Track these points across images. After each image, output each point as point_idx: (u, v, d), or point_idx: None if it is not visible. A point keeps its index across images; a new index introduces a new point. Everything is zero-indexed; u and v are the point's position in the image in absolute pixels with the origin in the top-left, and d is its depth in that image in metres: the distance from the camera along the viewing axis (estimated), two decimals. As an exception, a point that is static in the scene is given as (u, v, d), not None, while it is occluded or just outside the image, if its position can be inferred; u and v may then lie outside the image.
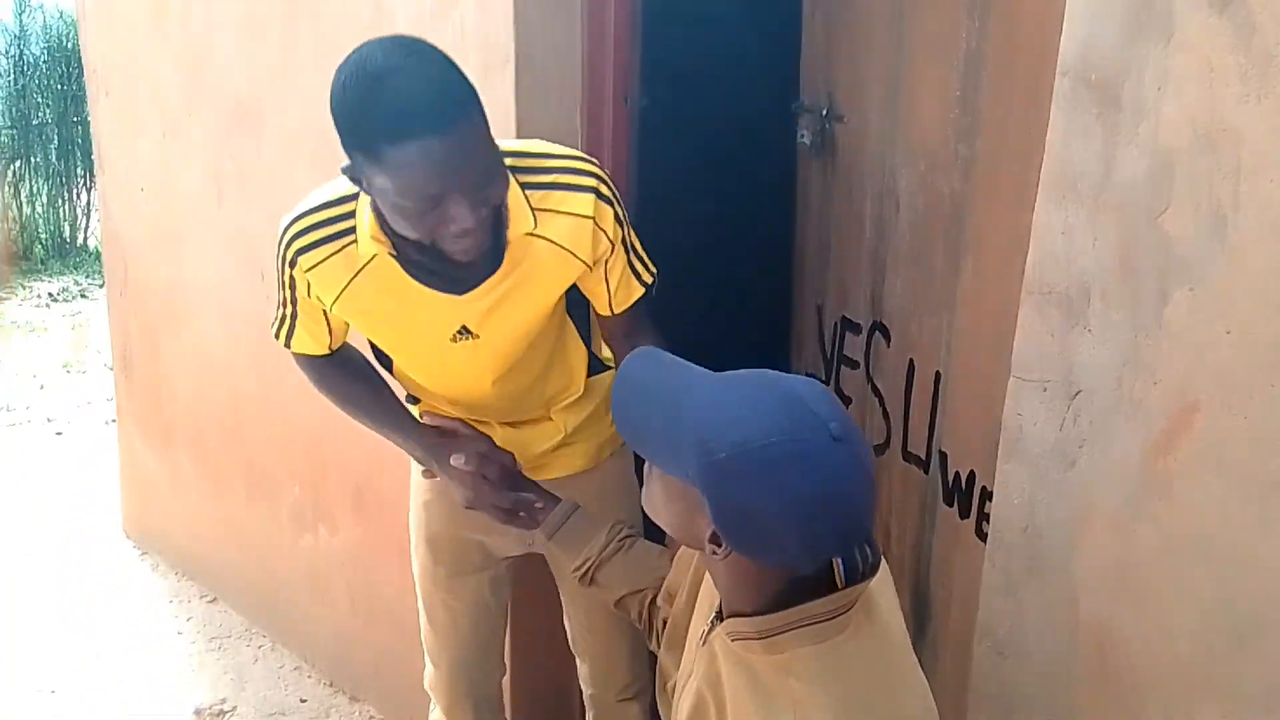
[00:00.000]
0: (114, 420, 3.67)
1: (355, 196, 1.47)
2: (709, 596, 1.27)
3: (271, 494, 2.86)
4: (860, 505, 1.06)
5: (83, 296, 6.91)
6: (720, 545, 1.07)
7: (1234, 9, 1.08)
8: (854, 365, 2.07)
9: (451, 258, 1.41)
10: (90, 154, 3.35)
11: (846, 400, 2.09)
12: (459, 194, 1.31)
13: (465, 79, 1.31)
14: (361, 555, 2.60)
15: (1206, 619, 1.18)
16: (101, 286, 3.55)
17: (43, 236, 7.91)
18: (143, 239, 3.16)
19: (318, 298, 1.54)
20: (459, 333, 1.54)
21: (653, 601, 1.53)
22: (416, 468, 1.83)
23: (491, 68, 1.90)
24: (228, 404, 2.93)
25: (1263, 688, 1.15)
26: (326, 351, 1.67)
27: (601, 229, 1.50)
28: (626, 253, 1.57)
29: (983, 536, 1.59)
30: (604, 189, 1.50)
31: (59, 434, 4.61)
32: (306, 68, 2.38)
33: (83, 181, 7.92)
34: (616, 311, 1.62)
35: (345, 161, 1.34)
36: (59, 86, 7.87)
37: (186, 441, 3.18)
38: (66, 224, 8.08)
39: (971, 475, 1.74)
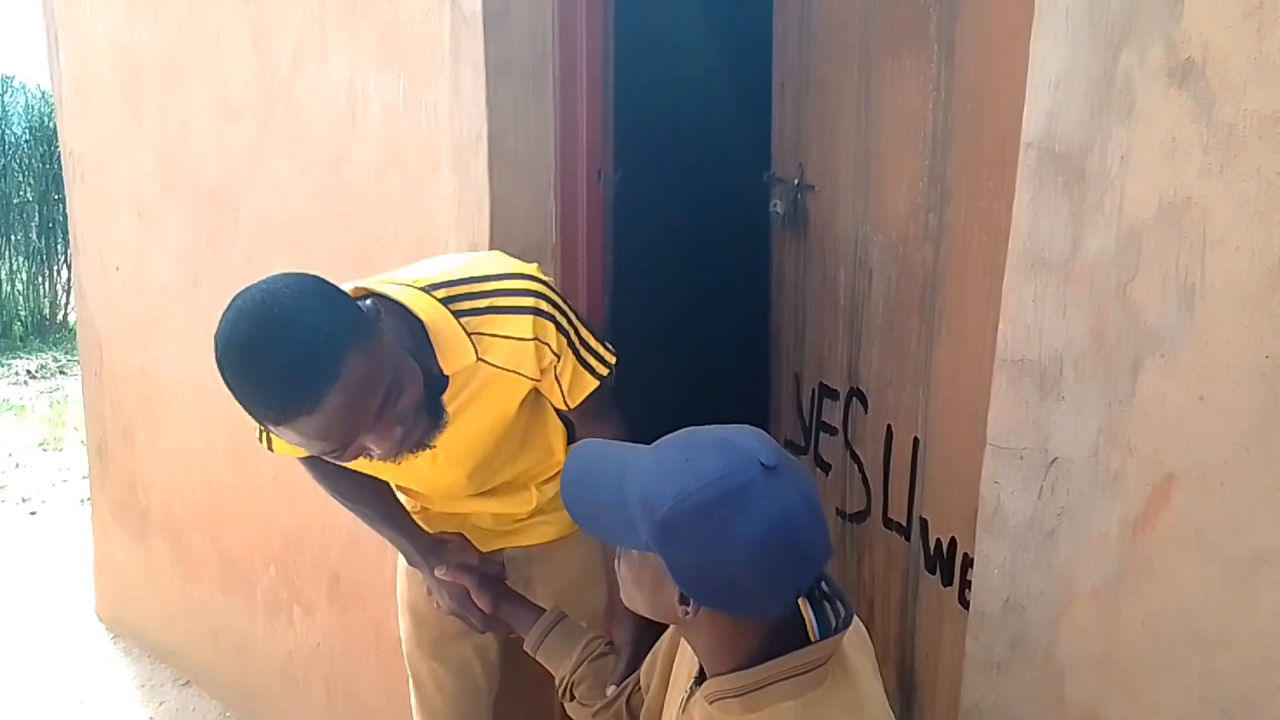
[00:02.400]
0: (89, 500, 3.62)
1: None
2: (686, 666, 1.27)
3: (247, 582, 2.81)
4: (808, 530, 1.06)
5: (61, 374, 6.88)
6: (689, 605, 1.08)
7: (1193, 82, 1.09)
8: (832, 431, 2.06)
9: None
10: (70, 233, 3.35)
11: (826, 466, 2.08)
12: (362, 435, 1.28)
13: (340, 330, 1.23)
14: (337, 645, 2.55)
15: (1193, 698, 1.16)
16: (80, 369, 3.52)
17: (22, 314, 7.90)
18: (118, 324, 3.15)
19: None
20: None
21: (629, 695, 1.52)
22: None
23: (464, 149, 1.91)
24: (203, 491, 2.89)
25: (1253, 766, 1.12)
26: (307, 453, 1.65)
27: (544, 344, 1.47)
28: (575, 354, 1.53)
29: (966, 604, 1.57)
30: (543, 305, 1.46)
31: (33, 514, 4.54)
32: (281, 154, 2.39)
33: (63, 260, 7.93)
34: (572, 406, 1.59)
35: (311, 271, 1.34)
36: (40, 165, 7.92)
37: (161, 527, 3.13)
38: (46, 301, 8.07)
39: (953, 542, 1.72)
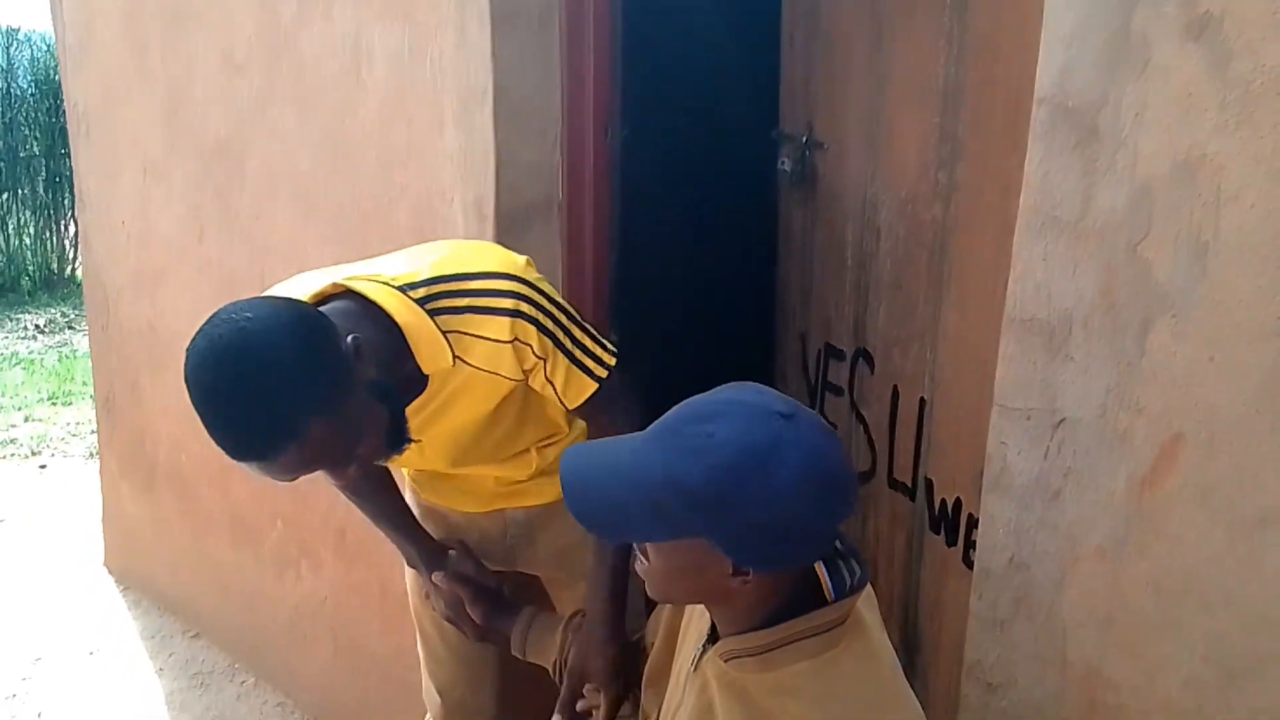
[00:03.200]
0: (98, 453, 3.64)
1: None
2: (696, 624, 1.27)
3: (255, 535, 2.83)
4: (838, 460, 1.08)
5: (70, 328, 6.90)
6: (746, 574, 1.07)
7: (1210, 36, 1.07)
8: (839, 392, 2.05)
9: None
10: (76, 187, 3.34)
11: (831, 427, 2.07)
12: (314, 473, 1.30)
13: (309, 394, 1.22)
14: (344, 598, 2.56)
15: (1196, 657, 1.16)
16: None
17: (30, 269, 7.91)
18: (124, 277, 3.14)
19: None
20: None
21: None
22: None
23: (470, 103, 1.89)
24: (210, 445, 2.87)
25: (1254, 725, 1.13)
26: None
27: (525, 345, 1.42)
28: (568, 356, 1.47)
29: (970, 564, 1.57)
30: (524, 306, 1.41)
31: (43, 467, 4.57)
32: (286, 106, 2.37)
33: (70, 214, 7.92)
34: (571, 407, 1.54)
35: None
36: (47, 119, 7.89)
37: (169, 480, 3.15)
38: (54, 256, 8.08)
39: (958, 502, 1.72)
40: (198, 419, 1.23)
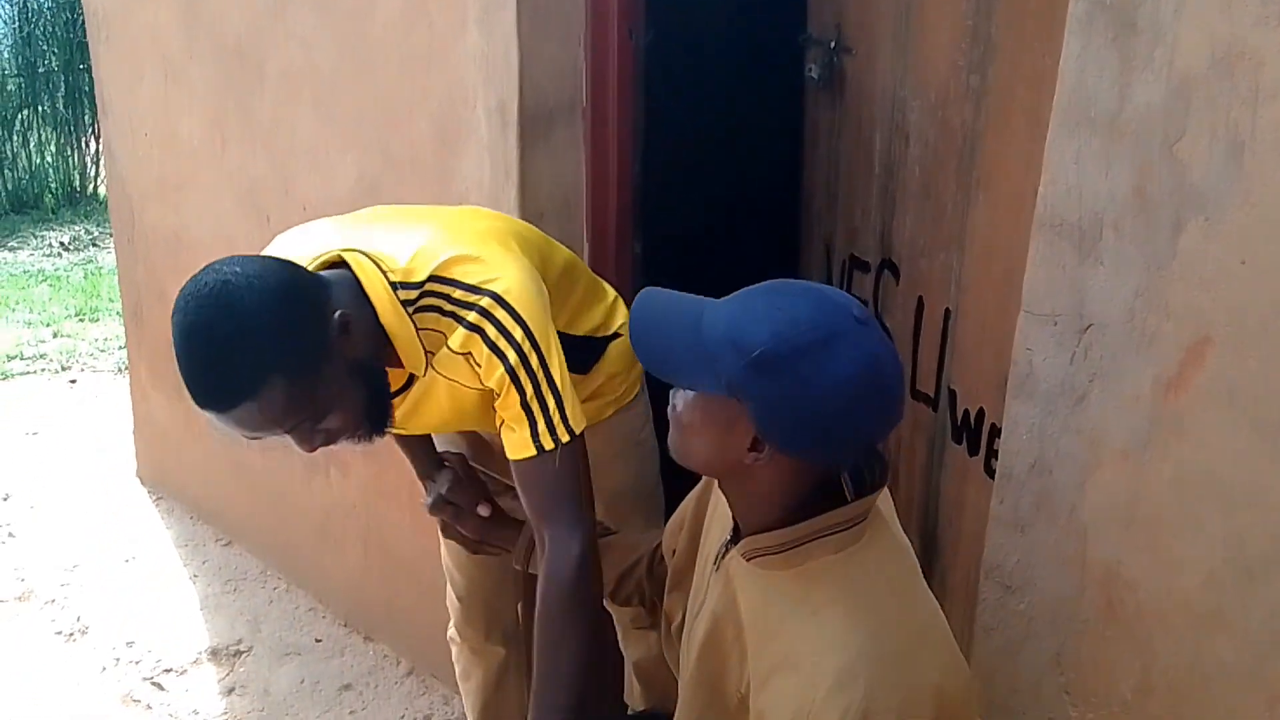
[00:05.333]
0: (128, 367, 3.68)
1: None
2: (718, 527, 1.28)
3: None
4: (893, 379, 1.08)
5: (94, 245, 6.92)
6: (760, 450, 1.08)
7: (1255, -75, 1.04)
8: (862, 303, 2.04)
9: None
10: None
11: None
12: (277, 436, 1.32)
13: (275, 353, 1.24)
14: (372, 501, 2.60)
15: (1216, 556, 1.17)
16: (112, 235, 3.53)
17: (52, 185, 7.90)
18: (148, 186, 3.14)
19: None
20: None
21: (651, 566, 1.54)
22: None
23: (491, 4, 1.86)
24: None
25: (1272, 624, 1.14)
26: None
27: (475, 366, 1.39)
28: (523, 399, 1.39)
29: (991, 474, 1.58)
30: (488, 327, 1.37)
31: (73, 382, 4.63)
32: (304, 8, 2.33)
33: (91, 130, 7.88)
34: (509, 457, 1.45)
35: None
36: (65, 34, 7.81)
37: (198, 388, 3.18)
38: (76, 173, 8.06)
39: (981, 412, 1.72)
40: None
